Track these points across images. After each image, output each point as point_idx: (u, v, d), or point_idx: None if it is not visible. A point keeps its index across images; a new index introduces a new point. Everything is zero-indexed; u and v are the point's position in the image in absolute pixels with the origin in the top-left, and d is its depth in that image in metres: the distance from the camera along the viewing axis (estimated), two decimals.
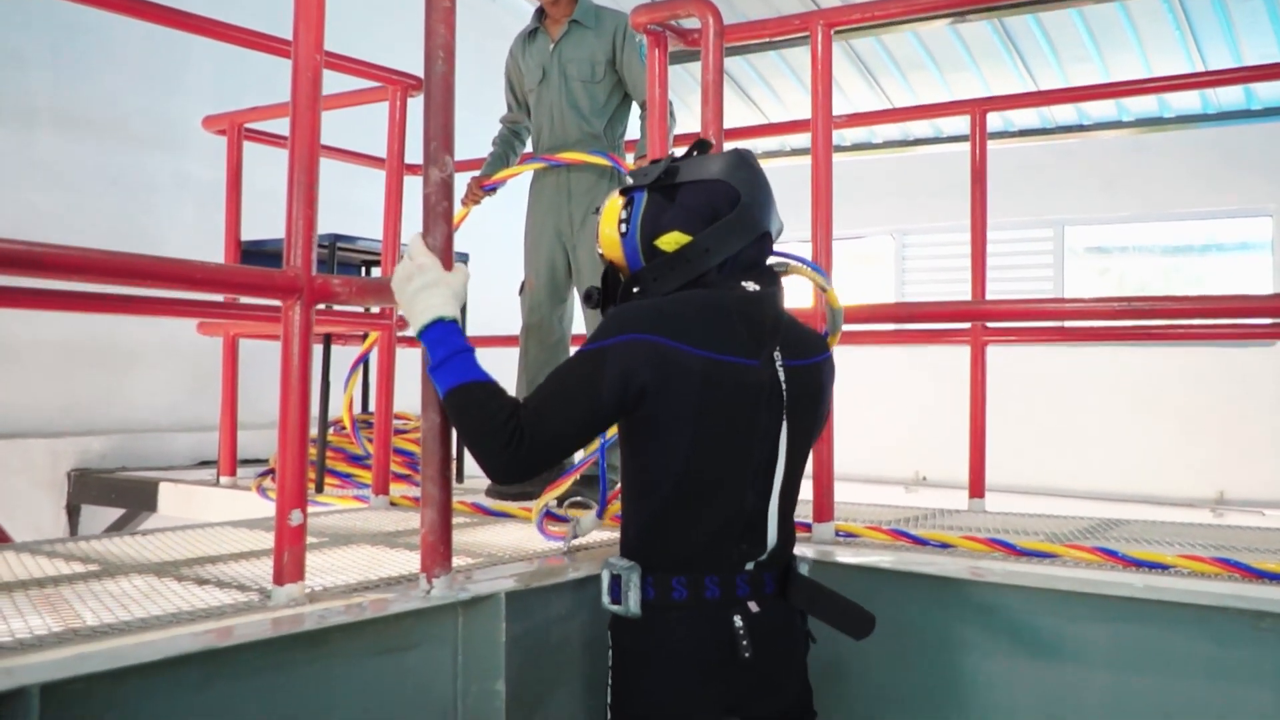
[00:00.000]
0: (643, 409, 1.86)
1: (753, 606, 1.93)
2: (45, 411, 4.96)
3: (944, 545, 2.71)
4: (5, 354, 4.88)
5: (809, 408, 2.02)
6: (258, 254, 4.39)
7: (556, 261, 3.69)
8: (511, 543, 2.76)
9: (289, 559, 1.97)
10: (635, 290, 2.02)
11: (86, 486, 4.88)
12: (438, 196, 2.01)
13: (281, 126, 4.30)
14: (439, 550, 2.00)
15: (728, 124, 2.94)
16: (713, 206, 1.99)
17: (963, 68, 7.91)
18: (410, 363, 4.43)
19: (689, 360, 1.85)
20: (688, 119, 3.90)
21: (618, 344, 1.85)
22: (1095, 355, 7.95)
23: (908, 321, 4.33)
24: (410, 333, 1.98)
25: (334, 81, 2.49)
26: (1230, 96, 7.43)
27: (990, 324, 3.90)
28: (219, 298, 3.61)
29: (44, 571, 2.25)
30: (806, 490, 2.41)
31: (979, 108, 3.97)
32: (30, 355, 4.95)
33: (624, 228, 2.06)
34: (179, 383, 5.48)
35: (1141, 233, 8.31)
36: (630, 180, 2.10)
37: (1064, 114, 7.95)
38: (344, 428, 4.22)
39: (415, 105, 2.73)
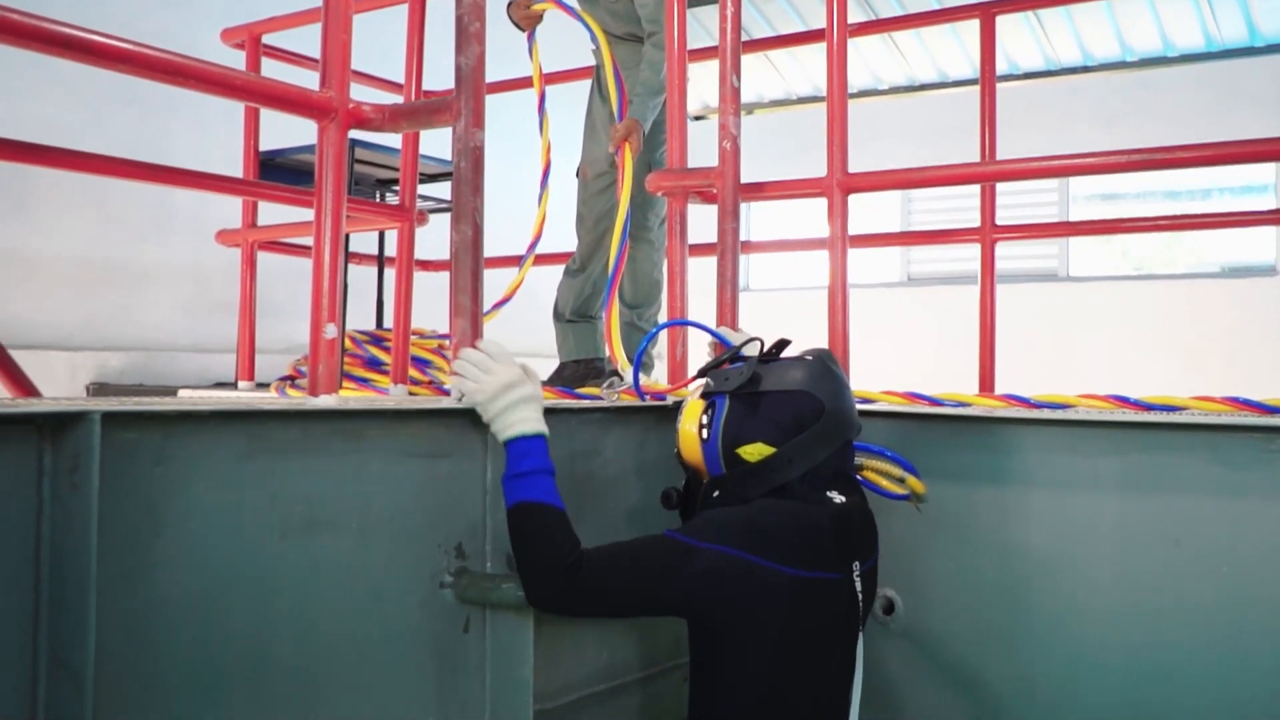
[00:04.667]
0: (721, 624, 1.88)
1: None
2: (64, 326, 5.02)
3: (960, 404, 2.76)
4: (25, 269, 4.94)
5: (869, 609, 2.06)
6: (276, 166, 4.44)
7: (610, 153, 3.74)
8: None
9: (324, 371, 2.02)
10: (715, 495, 2.04)
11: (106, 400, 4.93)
12: (470, 17, 2.05)
13: (299, 43, 4.36)
14: None
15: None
16: (797, 418, 2.00)
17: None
18: (429, 285, 4.51)
19: (778, 578, 1.85)
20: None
21: (709, 552, 1.86)
22: (1098, 291, 8.00)
23: (917, 187, 4.38)
24: (498, 438, 1.96)
25: None
26: (1233, 33, 7.45)
27: (998, 223, 3.95)
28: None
29: None
30: None
31: (987, 11, 4.01)
32: (50, 271, 5.01)
33: (705, 434, 2.07)
34: (196, 304, 5.53)
35: (1145, 174, 8.33)
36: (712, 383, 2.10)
37: (1069, 55, 7.97)
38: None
39: None
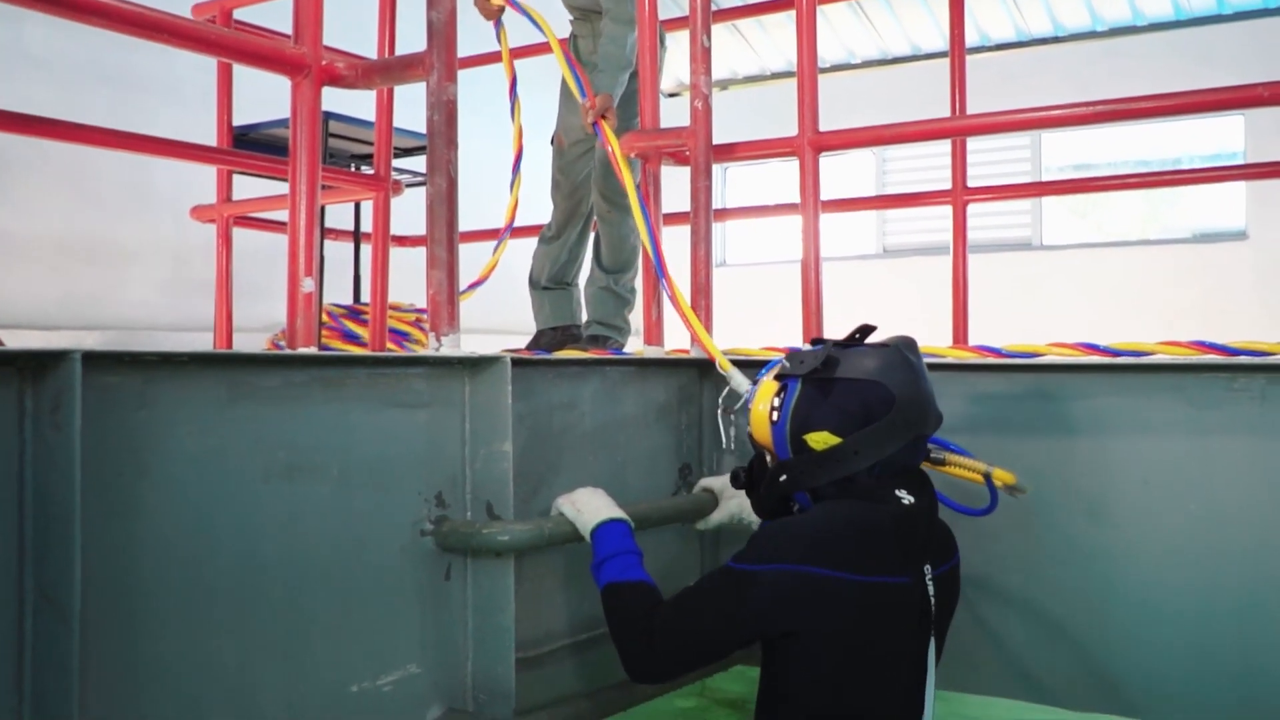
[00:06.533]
0: (788, 635, 1.87)
1: None
2: (43, 305, 5.01)
3: (933, 355, 2.79)
4: (3, 248, 4.93)
5: (949, 613, 2.03)
6: (250, 140, 4.44)
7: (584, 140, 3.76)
8: None
9: (302, 325, 2.04)
10: (782, 479, 2.01)
11: None
12: None
13: (270, 17, 4.36)
14: (446, 310, 2.07)
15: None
16: (866, 408, 1.94)
17: None
18: (406, 260, 4.52)
19: (842, 587, 1.84)
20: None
21: (770, 573, 1.85)
22: (1072, 259, 8.07)
23: (889, 143, 4.41)
24: (583, 534, 2.11)
25: None
26: (1201, 2, 7.51)
27: (970, 184, 4.00)
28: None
29: None
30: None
31: None
32: (27, 250, 5.00)
33: (775, 416, 2.02)
34: (173, 282, 5.53)
35: (1116, 143, 8.40)
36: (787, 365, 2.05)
37: (1039, 25, 8.02)
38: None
39: None
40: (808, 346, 2.14)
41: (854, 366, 1.97)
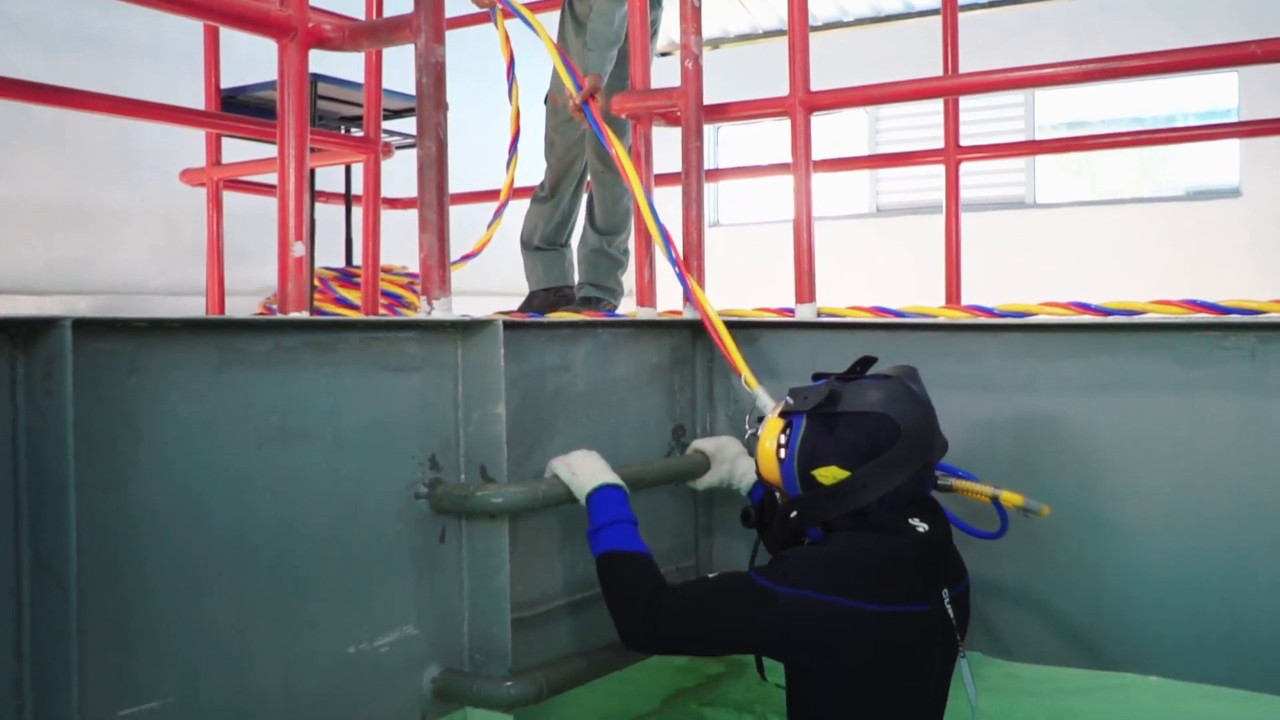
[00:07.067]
0: (809, 663, 1.90)
1: None
2: (31, 269, 4.99)
3: (925, 316, 2.80)
4: None
5: (965, 630, 2.04)
6: (238, 103, 4.40)
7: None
8: None
9: (293, 289, 2.04)
10: (793, 515, 2.02)
11: None
12: None
13: None
14: (438, 274, 2.07)
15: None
16: (873, 441, 1.95)
17: None
18: (398, 222, 4.51)
19: (862, 616, 1.86)
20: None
21: (788, 597, 1.87)
22: (1066, 217, 8.06)
23: (881, 103, 4.40)
24: (578, 497, 2.12)
25: None
26: None
27: (963, 142, 3.98)
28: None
29: None
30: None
31: None
32: (14, 214, 4.97)
33: (782, 453, 2.03)
34: (164, 246, 5.50)
35: (1110, 100, 8.37)
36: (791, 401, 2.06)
37: None
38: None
39: None
40: (809, 383, 2.14)
41: (858, 399, 1.98)
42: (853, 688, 1.90)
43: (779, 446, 2.04)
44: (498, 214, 3.85)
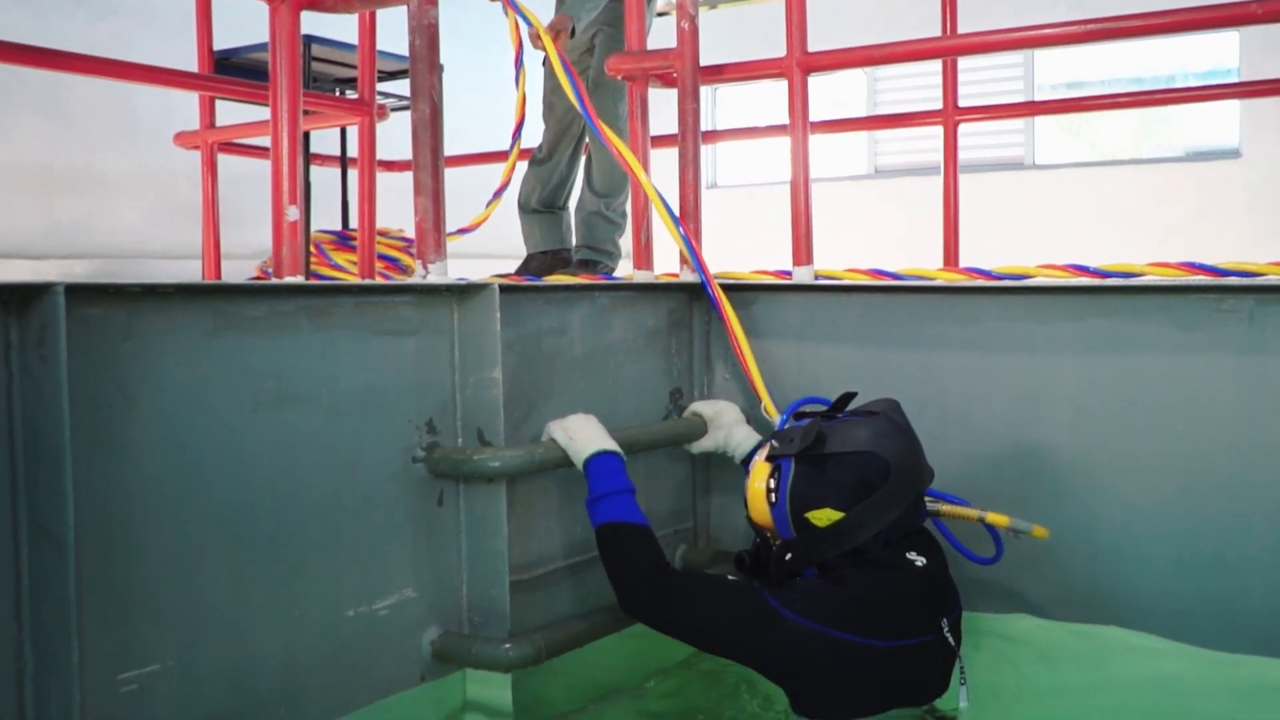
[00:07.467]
0: (812, 690, 1.93)
1: None
2: (27, 234, 4.97)
3: (922, 279, 2.79)
4: None
5: (959, 648, 2.06)
6: (232, 65, 4.36)
7: (579, 43, 3.69)
8: None
9: (288, 254, 2.03)
10: (788, 557, 2.03)
11: None
12: None
13: None
14: (433, 237, 2.06)
15: None
16: (864, 480, 1.98)
17: None
18: (395, 186, 4.48)
19: (868, 651, 1.89)
20: None
21: (797, 625, 1.89)
22: (1064, 179, 8.03)
23: (879, 64, 4.37)
24: (575, 463, 2.12)
25: None
26: None
27: (962, 102, 3.96)
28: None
29: None
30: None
31: None
32: (10, 179, 4.94)
33: (773, 498, 2.04)
34: (160, 210, 5.47)
35: (1110, 60, 8.31)
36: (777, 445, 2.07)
37: None
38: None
39: None
40: (793, 422, 2.18)
41: (845, 439, 2.01)
42: (853, 712, 1.94)
43: (769, 491, 2.05)
44: (497, 194, 3.86)
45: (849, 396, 2.17)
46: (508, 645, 2.02)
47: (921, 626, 1.97)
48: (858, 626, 1.89)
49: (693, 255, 2.68)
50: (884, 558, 2.00)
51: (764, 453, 2.10)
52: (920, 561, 2.01)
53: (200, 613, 1.67)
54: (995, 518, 2.21)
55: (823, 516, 1.99)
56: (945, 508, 2.26)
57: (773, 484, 2.04)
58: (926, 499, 2.15)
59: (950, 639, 2.01)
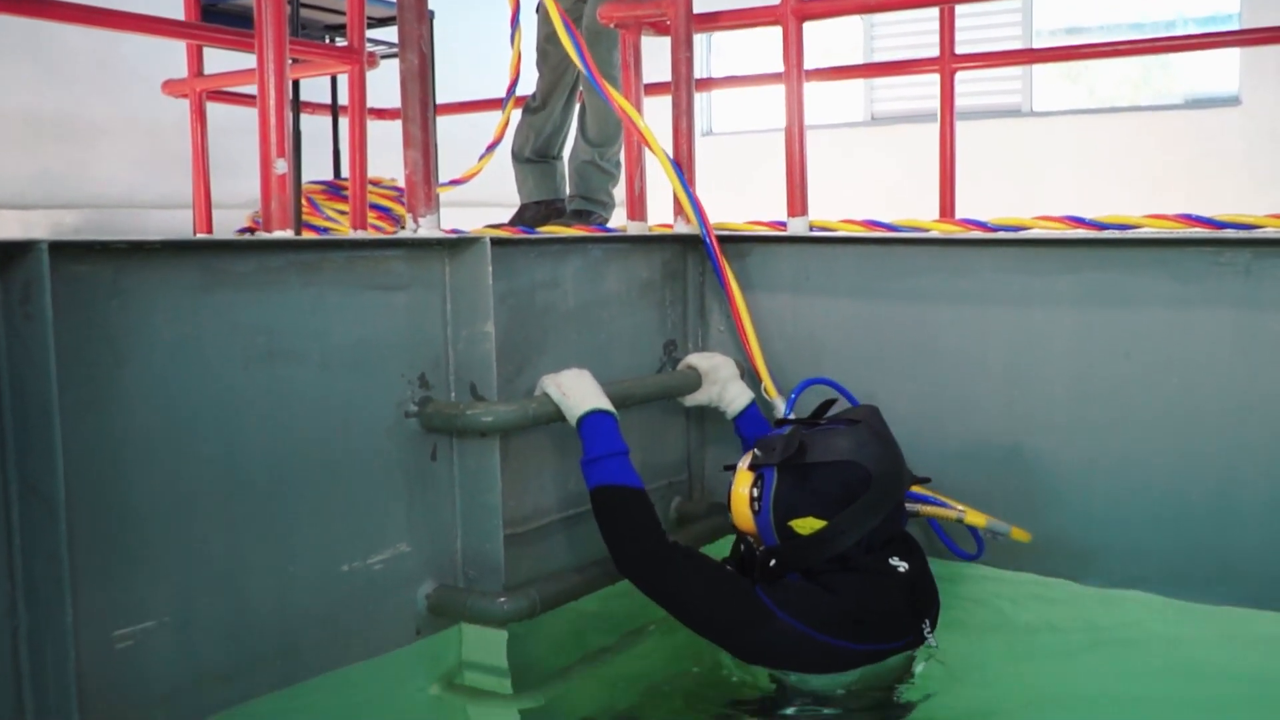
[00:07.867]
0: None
1: None
2: (15, 183, 4.91)
3: (918, 230, 2.77)
4: None
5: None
6: (219, 12, 4.30)
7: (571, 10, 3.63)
8: None
9: (277, 207, 2.01)
10: (772, 564, 2.05)
11: None
12: None
13: None
14: (423, 190, 2.04)
15: None
16: (846, 489, 2.01)
17: None
18: (387, 134, 4.42)
19: (852, 653, 1.96)
20: None
21: (785, 624, 1.93)
22: (1062, 126, 7.96)
23: (875, 11, 4.32)
24: (569, 420, 2.11)
25: None
26: None
27: (960, 48, 3.92)
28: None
29: None
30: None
31: None
32: None
33: (756, 506, 2.07)
34: (150, 159, 5.41)
35: (1109, 4, 8.21)
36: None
37: None
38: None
39: None
40: (774, 431, 2.19)
41: (826, 448, 2.04)
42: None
43: (753, 499, 2.08)
44: (490, 149, 3.81)
45: (828, 404, 2.23)
46: (503, 599, 2.03)
47: (904, 630, 2.03)
48: (843, 632, 1.95)
49: (696, 211, 2.66)
50: (868, 563, 2.04)
51: (747, 460, 2.13)
52: (903, 567, 2.05)
53: (195, 568, 1.67)
54: (974, 518, 2.28)
55: (806, 525, 2.02)
56: (924, 509, 2.31)
57: (756, 493, 2.08)
58: (906, 502, 2.20)
59: (930, 638, 2.05)
